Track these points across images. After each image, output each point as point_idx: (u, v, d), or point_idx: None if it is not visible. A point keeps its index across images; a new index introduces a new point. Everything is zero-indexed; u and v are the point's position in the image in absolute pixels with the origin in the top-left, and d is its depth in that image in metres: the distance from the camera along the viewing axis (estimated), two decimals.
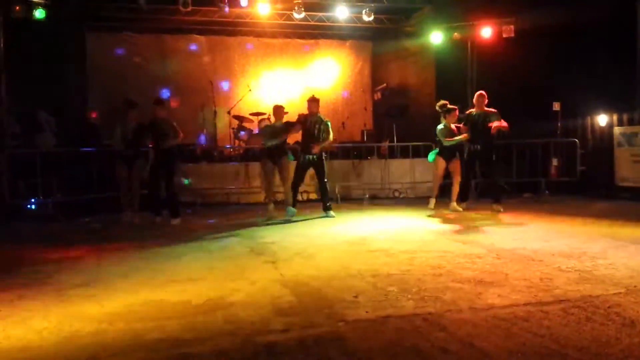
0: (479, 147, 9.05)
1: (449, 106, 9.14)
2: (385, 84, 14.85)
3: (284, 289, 4.51)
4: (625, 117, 11.18)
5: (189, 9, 11.04)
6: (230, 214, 9.82)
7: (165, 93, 13.65)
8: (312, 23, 13.14)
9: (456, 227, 7.83)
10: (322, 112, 8.77)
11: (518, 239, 6.69)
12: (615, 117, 11.36)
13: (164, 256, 6.14)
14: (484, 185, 10.83)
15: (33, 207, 9.44)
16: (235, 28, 14.14)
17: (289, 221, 8.61)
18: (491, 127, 8.81)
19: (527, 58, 11.20)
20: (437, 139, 9.27)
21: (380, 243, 6.57)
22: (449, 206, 9.22)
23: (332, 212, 9.05)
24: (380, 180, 11.85)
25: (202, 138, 13.47)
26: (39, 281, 5.03)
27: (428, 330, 3.47)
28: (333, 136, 9.36)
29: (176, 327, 3.63)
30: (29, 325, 3.77)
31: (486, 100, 9.06)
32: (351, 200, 11.44)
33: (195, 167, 11.25)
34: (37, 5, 10.02)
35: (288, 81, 14.82)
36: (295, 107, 11.04)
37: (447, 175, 11.73)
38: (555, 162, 11.98)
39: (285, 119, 9.12)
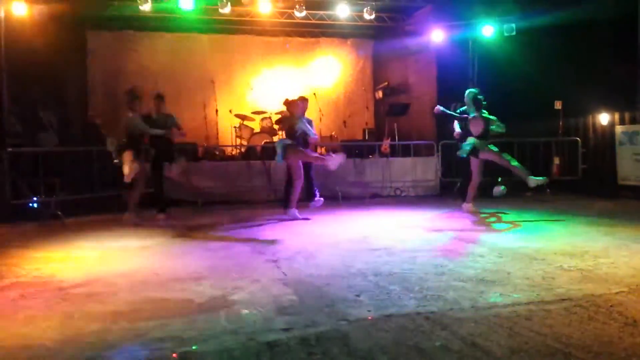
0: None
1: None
2: (386, 83, 14.86)
3: (286, 288, 4.52)
4: (627, 115, 11.18)
5: (190, 7, 11.03)
6: (232, 212, 9.82)
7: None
8: (313, 21, 13.14)
9: (458, 225, 7.83)
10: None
11: (520, 237, 6.70)
12: (617, 116, 11.36)
13: (166, 255, 6.14)
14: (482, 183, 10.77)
15: (35, 205, 9.45)
16: (237, 26, 14.15)
17: (291, 220, 8.62)
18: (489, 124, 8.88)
19: (529, 56, 11.20)
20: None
21: (382, 242, 6.57)
22: (463, 207, 9.04)
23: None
24: (382, 178, 11.84)
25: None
26: (42, 280, 5.04)
27: (430, 329, 3.47)
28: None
29: (178, 326, 3.64)
30: (32, 324, 3.77)
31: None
32: (352, 199, 11.44)
33: (196, 166, 11.25)
34: (39, 3, 10.01)
35: (289, 80, 14.82)
36: None
37: (447, 174, 11.80)
38: (557, 160, 11.99)
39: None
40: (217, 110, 13.31)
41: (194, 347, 3.26)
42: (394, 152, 12.42)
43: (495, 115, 8.97)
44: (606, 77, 11.02)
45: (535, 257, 5.47)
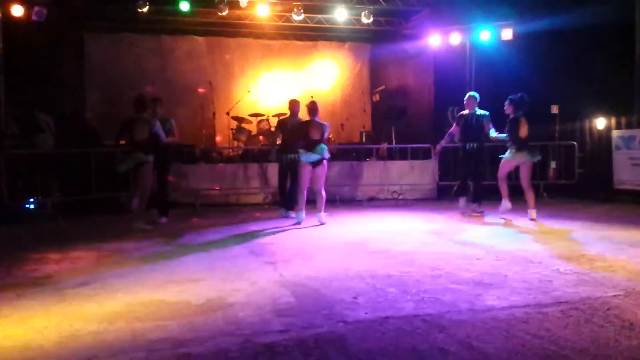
0: (474, 145, 9.04)
1: None
2: (383, 86, 14.89)
3: (283, 290, 4.52)
4: (623, 120, 11.21)
5: (188, 9, 11.04)
6: (229, 214, 9.82)
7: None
8: (311, 25, 13.17)
9: (455, 228, 7.84)
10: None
11: (517, 241, 6.72)
12: (613, 120, 11.39)
13: (163, 256, 6.13)
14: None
15: (32, 207, 9.43)
16: (235, 29, 14.18)
17: (288, 222, 8.62)
18: (484, 126, 8.92)
19: (526, 61, 11.23)
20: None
21: (380, 244, 6.58)
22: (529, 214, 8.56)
23: (292, 213, 8.99)
24: (379, 181, 11.86)
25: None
26: (39, 281, 5.03)
27: (427, 331, 3.48)
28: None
29: (176, 327, 3.64)
30: (29, 325, 3.77)
31: (477, 101, 9.09)
32: (350, 201, 11.45)
33: (193, 168, 11.25)
34: (38, 5, 10.01)
35: (287, 83, 14.84)
36: None
37: (445, 178, 11.82)
38: (553, 165, 12.00)
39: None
40: (214, 113, 13.32)
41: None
42: (392, 155, 12.44)
43: (492, 120, 9.01)
44: (603, 82, 11.06)
45: (532, 260, 5.48)
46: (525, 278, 4.76)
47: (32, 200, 9.44)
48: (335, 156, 11.85)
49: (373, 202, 11.48)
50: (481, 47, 12.19)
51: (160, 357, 3.16)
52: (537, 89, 11.24)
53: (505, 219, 8.56)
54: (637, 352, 3.14)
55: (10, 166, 9.34)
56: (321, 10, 12.65)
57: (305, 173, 8.27)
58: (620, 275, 4.84)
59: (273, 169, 11.17)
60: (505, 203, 8.77)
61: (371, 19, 12.18)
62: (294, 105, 9.33)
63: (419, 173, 11.99)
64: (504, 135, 8.63)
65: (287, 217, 9.08)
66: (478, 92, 9.29)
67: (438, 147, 9.64)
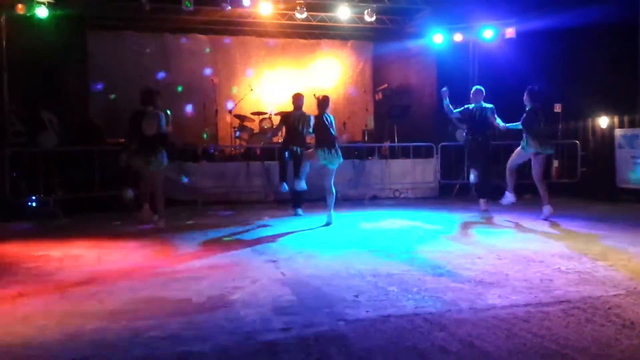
0: (480, 138, 8.99)
1: None
2: (386, 85, 14.87)
3: (284, 288, 4.53)
4: (626, 119, 11.17)
5: (191, 8, 11.03)
6: (230, 212, 9.82)
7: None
8: (314, 23, 13.16)
9: (457, 227, 7.84)
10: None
11: (519, 239, 6.71)
12: (616, 119, 11.35)
13: (164, 254, 6.15)
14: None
15: (34, 204, 9.45)
16: (237, 27, 14.18)
17: (290, 220, 8.63)
18: (489, 119, 8.86)
19: (529, 59, 11.20)
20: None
21: (381, 243, 6.58)
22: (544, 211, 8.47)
23: (300, 211, 9.09)
24: (381, 180, 11.85)
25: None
26: (41, 278, 5.05)
27: (428, 330, 3.48)
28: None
29: (177, 326, 3.65)
30: (30, 323, 3.78)
31: (483, 94, 9.06)
32: (352, 200, 11.45)
33: (196, 166, 11.26)
34: (40, 3, 10.03)
35: (289, 81, 14.83)
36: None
37: (447, 176, 11.80)
38: (556, 163, 11.98)
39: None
40: (216, 111, 13.32)
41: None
42: (394, 153, 12.43)
43: (490, 110, 8.98)
44: (606, 80, 11.01)
45: (534, 259, 5.48)
46: (527, 277, 4.76)
47: (34, 197, 9.45)
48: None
49: (375, 201, 11.48)
50: (484, 46, 12.17)
51: (161, 355, 3.17)
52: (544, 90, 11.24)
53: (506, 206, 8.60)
54: (638, 351, 3.13)
55: (14, 164, 9.36)
56: (324, 8, 12.64)
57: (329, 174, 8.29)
58: (622, 274, 4.84)
59: (275, 167, 11.17)
60: (510, 196, 8.68)
61: (374, 17, 12.15)
62: (298, 99, 9.31)
63: (421, 171, 11.97)
64: (516, 124, 8.59)
65: (298, 215, 9.09)
66: (481, 88, 9.26)
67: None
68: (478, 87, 9.21)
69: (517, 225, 7.92)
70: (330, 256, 5.87)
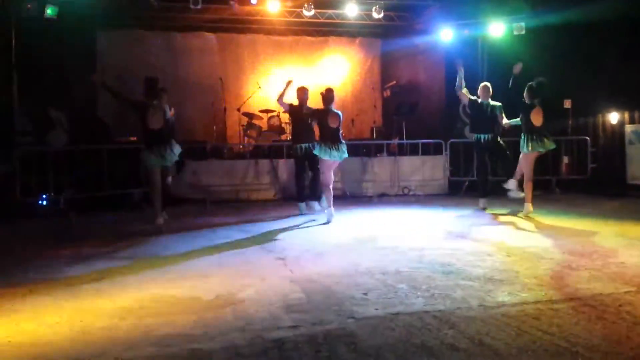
0: (489, 137, 8.91)
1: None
2: (394, 82, 14.83)
3: (293, 286, 4.53)
4: (636, 114, 11.11)
5: (199, 6, 11.06)
6: (239, 210, 9.84)
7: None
8: (322, 20, 13.15)
9: (466, 224, 7.80)
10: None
11: (528, 236, 6.68)
12: (626, 115, 11.29)
13: (174, 252, 6.16)
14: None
15: (44, 203, 9.51)
16: (245, 25, 14.20)
17: (299, 218, 8.63)
18: (497, 117, 8.81)
19: (538, 55, 11.13)
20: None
21: (390, 240, 6.56)
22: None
23: (317, 205, 8.98)
24: (390, 177, 11.83)
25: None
26: (51, 276, 5.08)
27: (437, 327, 3.47)
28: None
29: (186, 323, 3.66)
30: (40, 320, 3.80)
31: (491, 92, 9.00)
32: (360, 197, 11.44)
33: (204, 164, 11.29)
34: (49, 3, 10.07)
35: (297, 78, 14.77)
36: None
37: (456, 173, 11.77)
38: (566, 160, 11.93)
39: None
40: (225, 109, 13.34)
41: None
42: (402, 150, 12.40)
43: (499, 108, 8.94)
44: (616, 76, 10.95)
45: (544, 257, 5.45)
46: (537, 274, 4.73)
47: (44, 196, 9.51)
48: None
49: (384, 198, 11.46)
50: (493, 42, 12.11)
51: (170, 353, 3.18)
52: (550, 84, 11.17)
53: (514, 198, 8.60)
54: None
55: (23, 163, 9.42)
56: (332, 5, 12.62)
57: (328, 168, 8.24)
58: (633, 271, 4.80)
59: (284, 165, 11.19)
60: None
61: (382, 14, 12.14)
62: (303, 92, 9.13)
63: (430, 168, 11.95)
64: (516, 120, 8.55)
65: (307, 212, 9.01)
66: (489, 84, 9.20)
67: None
68: (486, 83, 9.14)
69: (527, 222, 7.87)
70: (339, 254, 5.86)
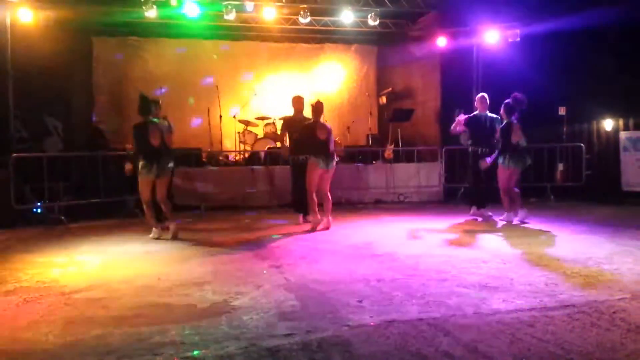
0: (487, 150, 8.87)
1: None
2: (390, 88, 14.86)
3: (288, 294, 4.52)
4: (631, 121, 11.16)
5: (195, 14, 11.08)
6: (235, 217, 9.83)
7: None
8: (318, 27, 13.19)
9: (461, 231, 7.82)
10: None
11: (523, 244, 6.68)
12: (621, 122, 11.34)
13: (168, 260, 6.15)
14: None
15: (39, 210, 9.48)
16: (241, 32, 14.21)
17: (294, 225, 8.62)
18: (495, 130, 8.76)
19: (533, 63, 11.19)
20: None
21: (385, 247, 6.56)
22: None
23: (310, 218, 8.66)
24: (385, 184, 11.85)
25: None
26: (44, 284, 5.05)
27: (432, 335, 3.47)
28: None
29: (181, 331, 3.64)
30: (34, 329, 3.78)
31: (488, 102, 8.99)
32: (356, 204, 11.45)
33: (200, 171, 11.28)
34: (45, 10, 10.07)
35: (293, 86, 14.83)
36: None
37: (451, 180, 11.78)
38: (560, 167, 11.96)
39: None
40: (221, 116, 13.33)
41: (195, 353, 3.26)
42: (398, 157, 12.42)
43: (498, 121, 8.92)
44: (610, 83, 11.00)
45: (538, 263, 5.46)
46: (531, 281, 4.74)
47: (39, 203, 9.49)
48: (341, 159, 11.84)
49: (379, 205, 11.48)
50: (488, 49, 12.16)
51: None
52: (545, 91, 11.22)
53: (525, 223, 8.45)
54: None
55: (18, 169, 9.39)
56: (327, 12, 12.66)
57: (315, 176, 8.14)
58: (627, 278, 4.81)
59: (280, 172, 11.18)
60: (521, 213, 8.55)
61: (377, 21, 12.18)
62: (299, 101, 9.01)
63: (426, 175, 11.97)
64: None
65: (307, 221, 8.80)
66: (486, 94, 9.21)
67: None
68: (483, 94, 9.08)
69: (522, 229, 7.89)
70: (334, 261, 5.86)
